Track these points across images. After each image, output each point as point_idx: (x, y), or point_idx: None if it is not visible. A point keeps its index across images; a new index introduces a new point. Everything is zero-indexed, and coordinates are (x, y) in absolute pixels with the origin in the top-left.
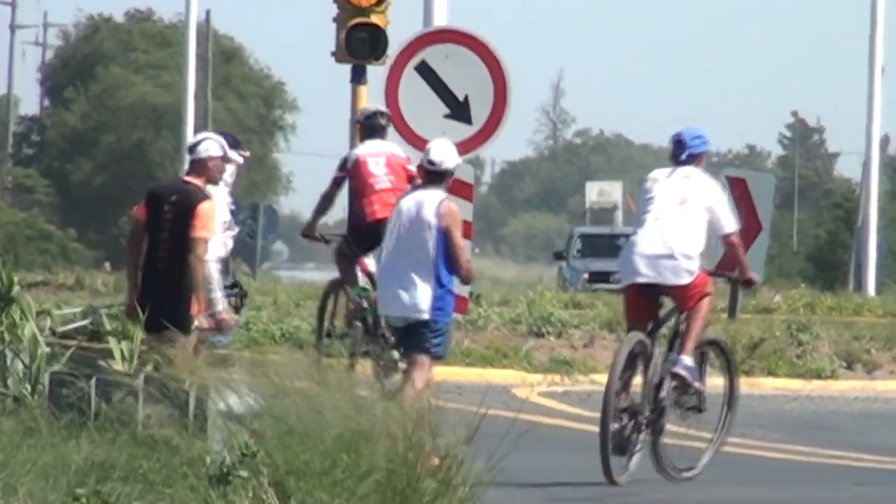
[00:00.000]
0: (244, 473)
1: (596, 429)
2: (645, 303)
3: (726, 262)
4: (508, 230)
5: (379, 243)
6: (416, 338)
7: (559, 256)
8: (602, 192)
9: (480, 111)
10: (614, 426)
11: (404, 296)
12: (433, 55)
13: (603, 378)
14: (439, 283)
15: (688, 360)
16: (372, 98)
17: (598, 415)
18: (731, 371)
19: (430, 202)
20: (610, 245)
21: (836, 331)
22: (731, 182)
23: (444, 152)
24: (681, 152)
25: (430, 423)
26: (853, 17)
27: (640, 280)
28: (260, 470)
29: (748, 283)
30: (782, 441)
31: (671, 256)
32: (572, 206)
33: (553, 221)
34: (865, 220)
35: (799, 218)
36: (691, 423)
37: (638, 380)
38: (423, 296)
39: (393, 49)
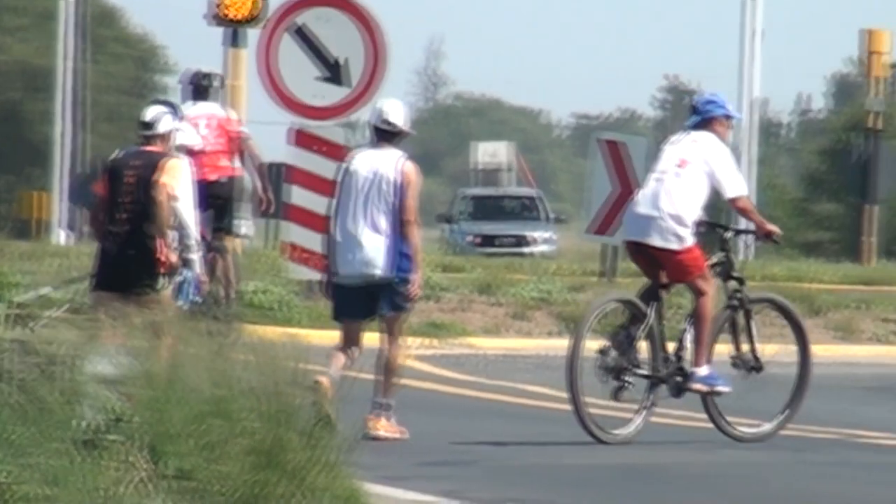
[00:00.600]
0: (115, 437)
1: (469, 392)
2: (643, 261)
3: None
4: None
5: (207, 204)
6: (384, 297)
7: (445, 219)
8: (490, 152)
9: (356, 74)
10: (614, 385)
11: (367, 256)
12: (309, 18)
13: (477, 341)
14: (401, 240)
15: (701, 371)
16: (249, 60)
17: (472, 378)
18: (799, 332)
19: (389, 160)
20: (499, 207)
21: None
22: (604, 145)
23: (398, 113)
24: (692, 117)
25: (302, 384)
26: None
27: (630, 238)
28: (131, 434)
29: (768, 236)
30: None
31: (659, 217)
32: (449, 169)
33: (430, 185)
34: None
35: None
36: (754, 384)
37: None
38: (386, 254)
39: (270, 12)
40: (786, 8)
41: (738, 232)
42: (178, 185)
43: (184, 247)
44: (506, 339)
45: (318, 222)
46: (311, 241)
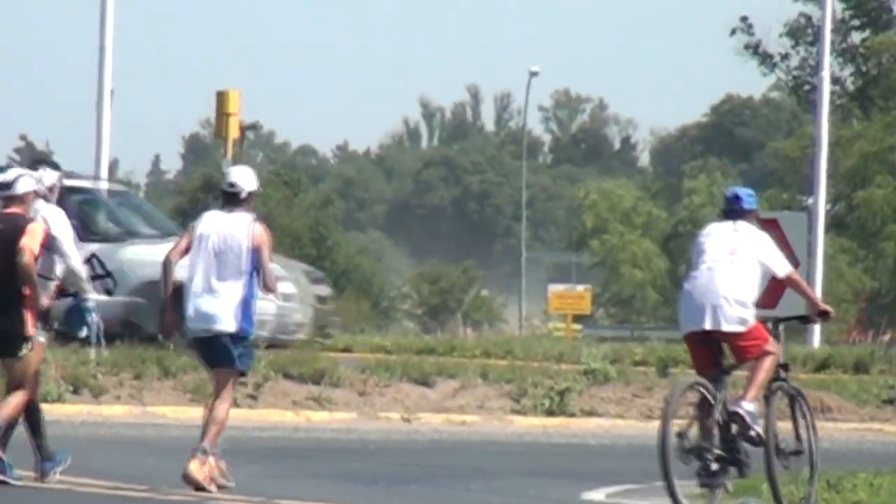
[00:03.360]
0: None
1: None
2: (705, 351)
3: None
4: None
5: None
6: (221, 352)
7: None
8: None
9: None
10: (697, 465)
11: (213, 310)
12: None
13: None
14: (247, 299)
15: (748, 404)
16: None
17: None
18: (811, 419)
19: (239, 223)
20: None
21: (64, 355)
22: None
23: (242, 177)
24: (732, 208)
25: None
26: (81, 42)
27: (695, 328)
28: None
29: (824, 315)
30: None
31: (724, 304)
32: None
33: None
34: None
35: None
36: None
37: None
38: (231, 310)
39: None
40: (140, 70)
41: (786, 319)
42: (36, 243)
43: (77, 287)
44: None
45: None
46: None
